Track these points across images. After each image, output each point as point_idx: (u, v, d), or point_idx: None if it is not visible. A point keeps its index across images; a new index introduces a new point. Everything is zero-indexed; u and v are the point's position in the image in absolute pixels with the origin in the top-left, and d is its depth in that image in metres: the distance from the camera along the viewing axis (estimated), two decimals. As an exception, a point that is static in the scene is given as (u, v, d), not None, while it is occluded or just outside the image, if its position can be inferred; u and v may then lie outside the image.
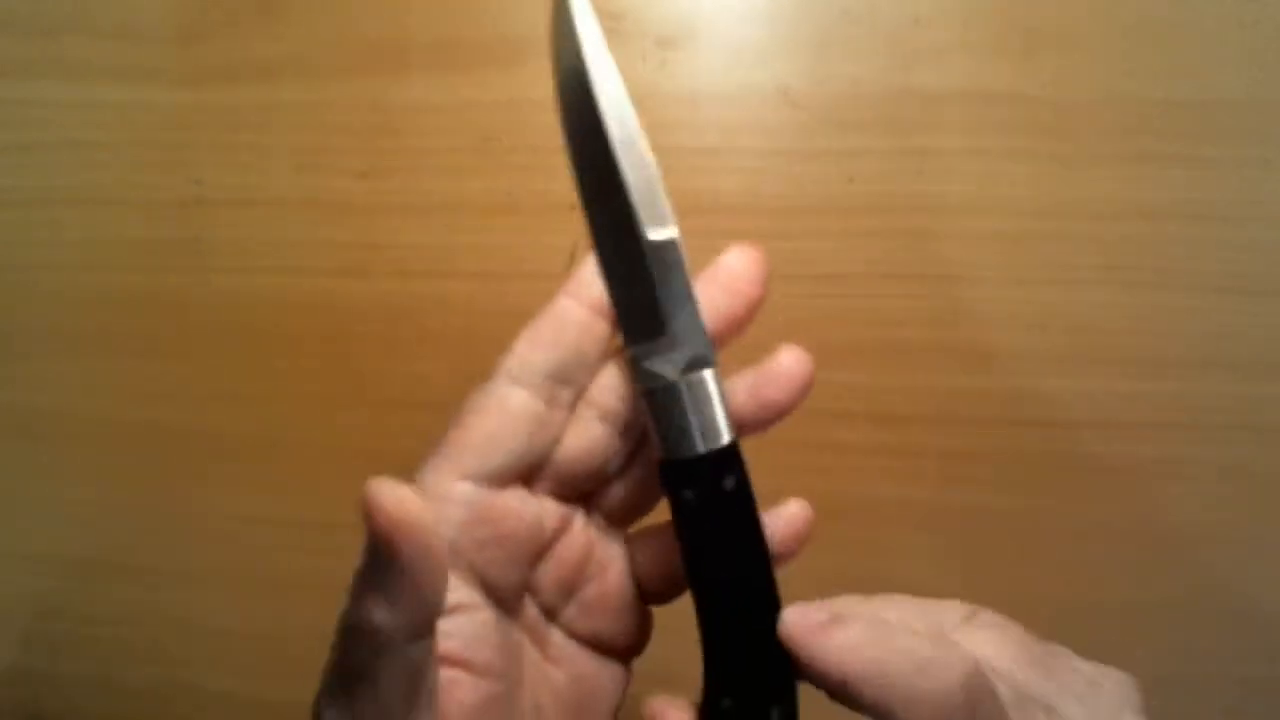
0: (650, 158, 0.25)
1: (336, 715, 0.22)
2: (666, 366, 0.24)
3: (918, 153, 0.46)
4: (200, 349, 0.52)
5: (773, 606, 0.24)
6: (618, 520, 0.28)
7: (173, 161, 0.52)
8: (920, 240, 0.46)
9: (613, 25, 0.47)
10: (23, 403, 0.55)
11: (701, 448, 0.24)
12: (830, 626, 0.23)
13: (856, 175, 0.46)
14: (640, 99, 0.47)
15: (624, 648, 0.28)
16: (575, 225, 0.48)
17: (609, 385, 0.25)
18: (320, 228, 0.50)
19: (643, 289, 0.24)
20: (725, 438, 0.24)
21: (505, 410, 0.24)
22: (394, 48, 0.49)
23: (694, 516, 0.24)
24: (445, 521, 0.24)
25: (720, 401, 0.24)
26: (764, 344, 0.47)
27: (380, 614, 0.21)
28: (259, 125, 0.51)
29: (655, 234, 0.24)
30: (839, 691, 0.23)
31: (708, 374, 0.24)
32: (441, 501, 0.24)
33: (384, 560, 0.21)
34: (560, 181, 0.48)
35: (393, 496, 0.21)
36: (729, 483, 0.24)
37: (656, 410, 0.24)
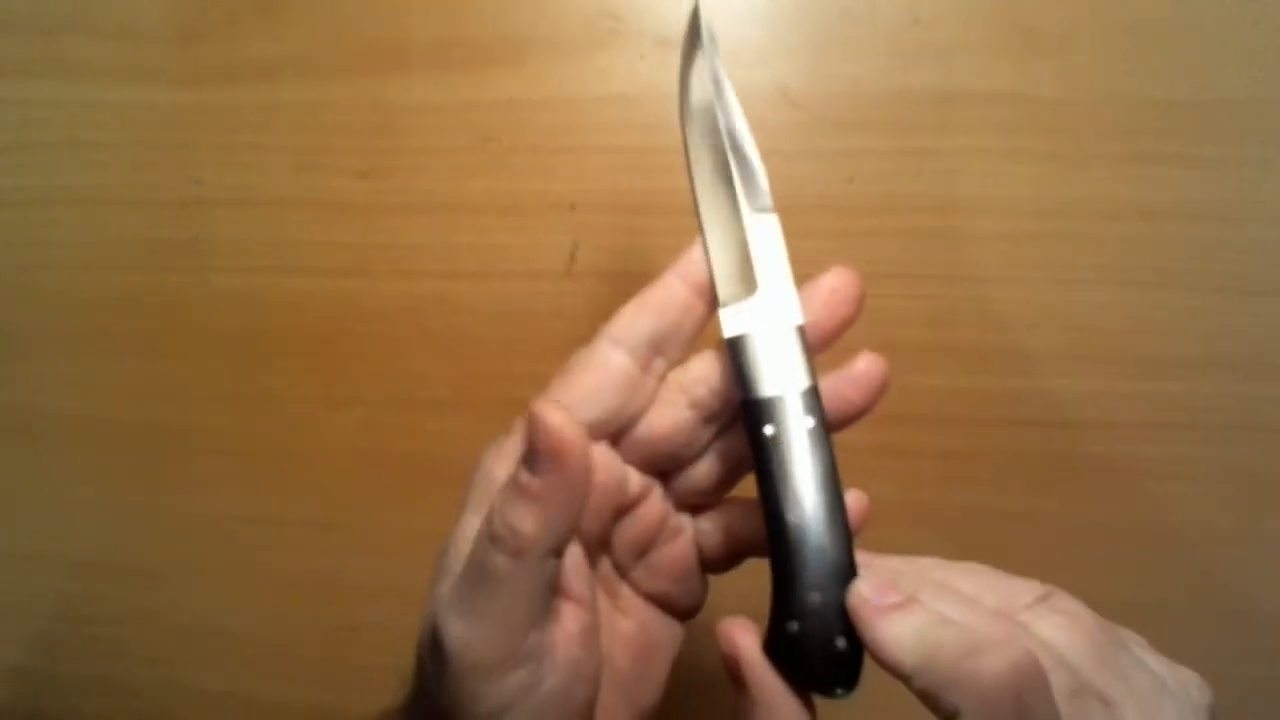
0: (755, 148, 0.28)
1: (464, 626, 0.24)
2: (755, 319, 0.26)
3: (918, 153, 0.46)
4: (200, 349, 0.52)
5: (844, 542, 0.25)
6: (688, 503, 0.30)
7: (173, 161, 0.52)
8: (920, 240, 0.46)
9: (613, 25, 0.47)
10: (23, 403, 0.55)
11: (782, 388, 0.26)
12: (892, 613, 0.24)
13: (856, 175, 0.46)
14: (640, 99, 0.47)
15: (683, 608, 0.30)
16: (575, 225, 0.48)
17: (702, 377, 0.28)
18: (320, 228, 0.50)
19: (740, 257, 0.27)
20: (806, 382, 0.26)
21: (606, 368, 0.27)
22: (394, 48, 0.49)
23: (773, 452, 0.25)
24: None
25: (802, 351, 0.26)
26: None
27: (528, 524, 0.23)
28: (259, 125, 0.51)
29: (756, 211, 0.28)
30: (891, 673, 0.24)
31: (792, 328, 0.26)
32: None
33: (540, 474, 0.23)
34: (560, 181, 0.48)
35: (557, 416, 0.23)
36: (809, 422, 0.26)
37: (742, 354, 0.26)
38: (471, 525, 0.25)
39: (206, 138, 0.51)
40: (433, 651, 0.24)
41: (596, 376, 0.26)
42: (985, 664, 0.22)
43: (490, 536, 0.24)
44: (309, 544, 0.53)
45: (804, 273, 0.28)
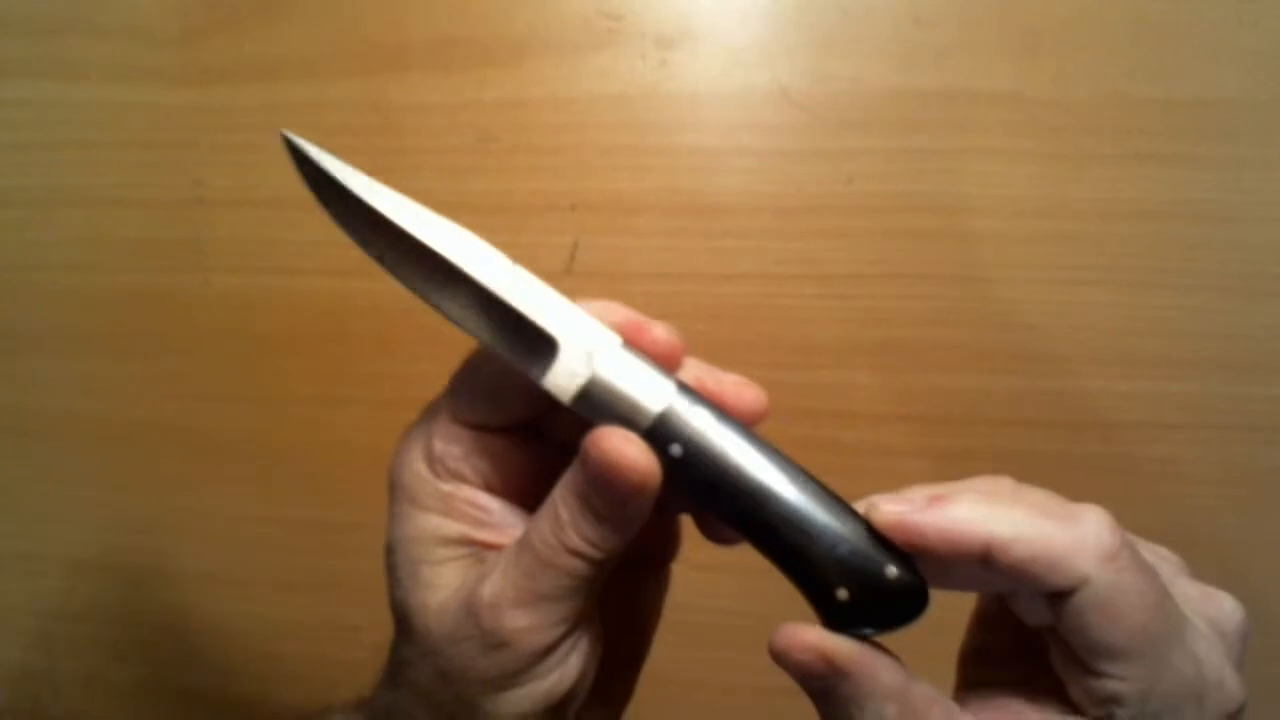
0: (426, 210, 0.26)
1: (526, 614, 0.24)
2: (573, 370, 0.24)
3: (918, 153, 0.46)
4: (200, 349, 0.52)
5: (820, 486, 0.24)
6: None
7: (173, 161, 0.52)
8: (920, 240, 0.46)
9: (613, 25, 0.47)
10: (23, 403, 0.55)
11: (654, 403, 0.24)
12: (942, 502, 0.23)
13: (856, 175, 0.46)
14: (640, 99, 0.47)
15: (654, 558, 0.30)
16: (575, 225, 0.48)
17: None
18: (320, 228, 0.50)
19: (507, 321, 0.25)
20: (670, 384, 0.24)
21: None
22: (394, 48, 0.49)
23: (692, 465, 0.24)
24: (449, 455, 0.26)
25: (636, 372, 0.24)
26: (766, 342, 0.47)
27: (611, 540, 0.24)
28: (259, 125, 0.51)
29: (485, 271, 0.25)
30: (974, 560, 0.23)
31: (609, 355, 0.24)
32: (445, 439, 0.26)
33: (624, 509, 0.24)
34: (560, 181, 0.48)
35: (636, 454, 0.23)
36: (701, 413, 0.24)
37: (595, 407, 0.24)
38: (423, 523, 0.26)
39: (206, 138, 0.51)
40: (481, 637, 0.24)
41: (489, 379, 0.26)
42: (1089, 524, 0.22)
43: (570, 549, 0.24)
44: (309, 544, 0.53)
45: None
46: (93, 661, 0.56)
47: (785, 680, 0.24)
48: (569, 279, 0.48)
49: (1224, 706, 0.23)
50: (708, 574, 0.47)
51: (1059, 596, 0.22)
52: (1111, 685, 0.22)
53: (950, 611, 0.25)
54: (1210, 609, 0.25)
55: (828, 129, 0.46)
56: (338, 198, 0.27)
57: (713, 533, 0.26)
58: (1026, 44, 0.45)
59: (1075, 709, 0.23)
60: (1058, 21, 0.44)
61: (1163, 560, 0.26)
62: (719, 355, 0.26)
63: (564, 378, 0.24)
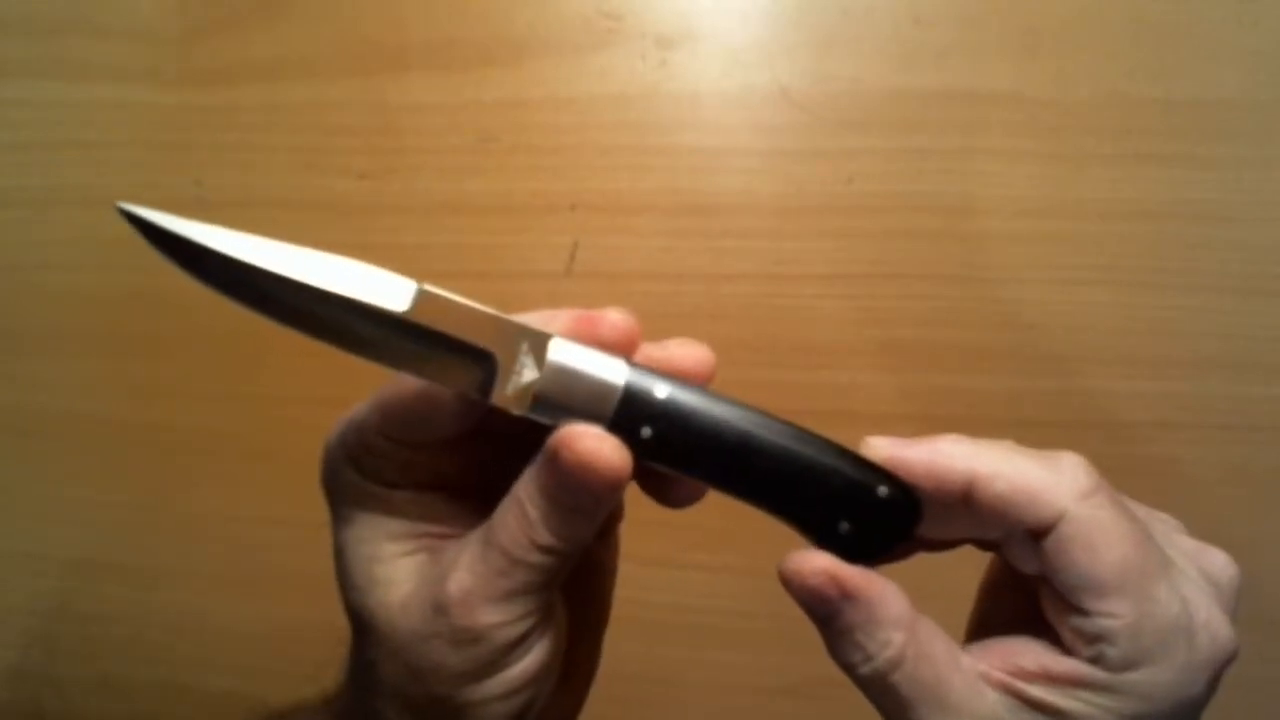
0: (315, 251, 0.24)
1: (501, 609, 0.24)
2: (521, 378, 0.23)
3: (918, 153, 0.46)
4: (200, 349, 0.52)
5: (799, 429, 0.24)
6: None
7: (173, 161, 0.52)
8: (920, 240, 0.46)
9: (613, 25, 0.47)
10: (23, 403, 0.55)
11: (607, 416, 0.23)
12: (928, 439, 0.24)
13: (856, 175, 0.46)
14: (640, 99, 0.47)
15: (604, 525, 0.29)
16: (575, 225, 0.48)
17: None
18: (320, 228, 0.50)
19: (442, 349, 0.24)
20: (619, 364, 0.23)
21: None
22: (394, 48, 0.49)
23: (667, 440, 0.23)
24: (381, 467, 0.26)
25: (585, 366, 0.23)
26: (766, 342, 0.47)
27: (583, 532, 0.24)
28: (259, 125, 0.51)
29: (399, 303, 0.24)
30: (958, 495, 0.23)
31: (551, 351, 0.23)
32: (375, 453, 0.26)
33: (601, 499, 0.24)
34: (560, 181, 0.48)
35: (611, 450, 0.23)
36: (664, 389, 0.23)
37: (554, 410, 0.23)
38: (369, 522, 0.26)
39: (206, 138, 0.51)
40: (451, 634, 0.24)
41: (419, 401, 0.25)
42: (1067, 462, 0.23)
43: (541, 546, 0.24)
44: (309, 544, 0.52)
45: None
46: (93, 662, 0.56)
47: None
48: (569, 279, 0.48)
49: (1215, 650, 0.24)
50: (708, 574, 0.47)
51: (1042, 537, 0.23)
52: (1100, 622, 0.22)
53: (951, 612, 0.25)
54: (1204, 561, 0.26)
55: (828, 129, 0.46)
56: (219, 267, 0.24)
57: (668, 498, 0.26)
58: (1026, 44, 0.45)
59: (1069, 655, 0.23)
60: (1058, 21, 0.44)
61: (1159, 520, 0.26)
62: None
63: (511, 391, 0.23)
